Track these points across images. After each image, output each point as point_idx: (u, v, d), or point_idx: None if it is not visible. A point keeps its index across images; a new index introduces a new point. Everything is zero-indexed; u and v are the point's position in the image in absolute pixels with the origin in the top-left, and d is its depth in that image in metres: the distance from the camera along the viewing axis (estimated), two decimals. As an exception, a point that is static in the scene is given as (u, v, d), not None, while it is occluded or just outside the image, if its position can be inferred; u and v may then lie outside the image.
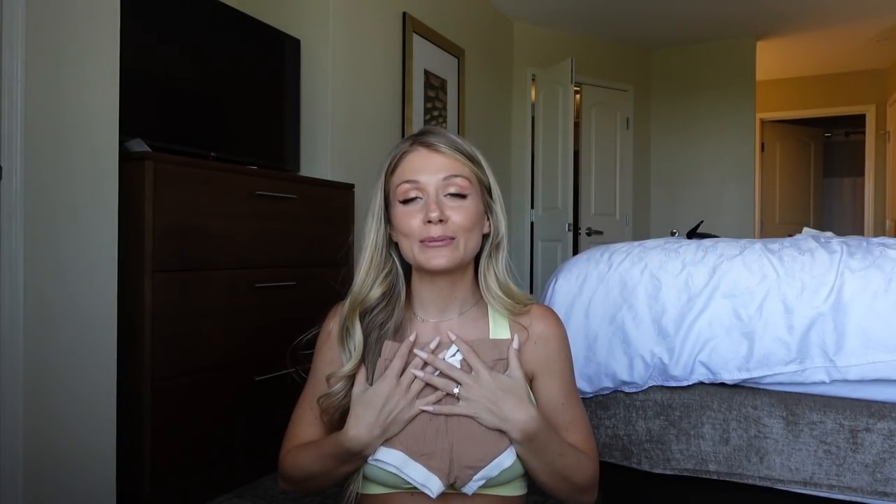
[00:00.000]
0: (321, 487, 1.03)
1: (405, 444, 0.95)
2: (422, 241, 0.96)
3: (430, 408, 0.95)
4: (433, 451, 0.94)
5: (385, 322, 1.01)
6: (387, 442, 0.95)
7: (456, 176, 0.96)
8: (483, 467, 0.94)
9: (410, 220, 0.96)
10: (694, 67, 5.42)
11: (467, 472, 0.94)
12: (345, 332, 1.01)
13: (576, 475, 0.99)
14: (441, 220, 0.94)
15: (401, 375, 0.96)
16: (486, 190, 1.02)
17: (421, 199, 0.96)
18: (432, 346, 0.99)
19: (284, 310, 2.28)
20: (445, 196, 0.96)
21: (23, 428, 1.54)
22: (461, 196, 0.97)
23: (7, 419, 1.52)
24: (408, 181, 0.97)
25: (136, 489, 1.83)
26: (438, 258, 0.95)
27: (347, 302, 1.02)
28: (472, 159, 0.99)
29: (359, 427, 0.93)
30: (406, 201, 0.97)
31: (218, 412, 2.05)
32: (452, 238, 0.96)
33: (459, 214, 0.96)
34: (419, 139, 0.99)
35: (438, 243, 0.95)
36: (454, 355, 0.99)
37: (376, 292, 1.01)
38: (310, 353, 1.11)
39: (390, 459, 0.94)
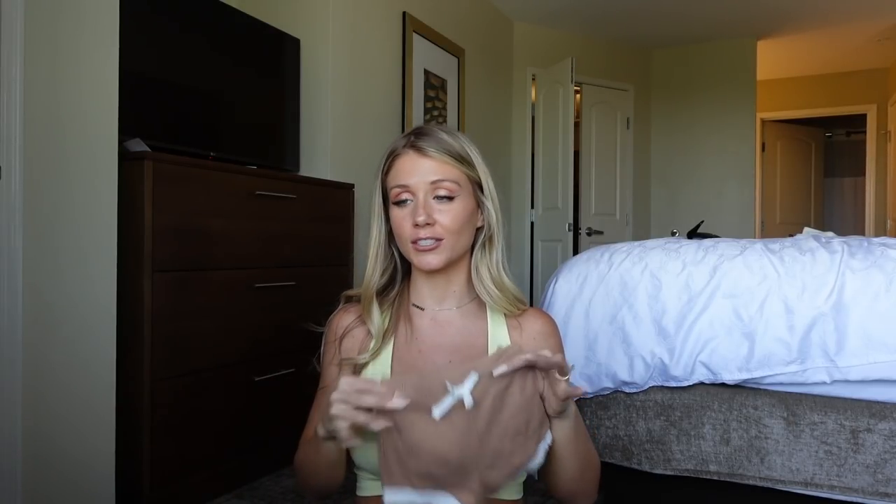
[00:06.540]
0: (323, 481, 1.01)
1: None
2: (413, 243, 1.00)
3: None
4: None
5: (386, 313, 1.07)
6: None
7: (443, 180, 1.00)
8: None
9: (402, 223, 1.01)
10: (694, 67, 5.42)
11: None
12: (366, 318, 1.06)
13: (596, 464, 1.01)
14: (428, 224, 0.98)
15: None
16: (478, 186, 1.05)
17: (411, 201, 1.01)
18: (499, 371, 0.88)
19: (284, 310, 2.28)
20: (434, 199, 1.00)
21: (22, 427, 1.54)
22: (449, 198, 1.00)
23: (6, 419, 1.52)
24: (398, 185, 1.01)
25: (135, 489, 1.83)
26: (430, 260, 1.00)
27: (361, 293, 1.07)
28: (461, 160, 1.02)
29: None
30: (398, 204, 1.02)
31: (217, 412, 2.05)
32: (440, 240, 1.00)
33: (447, 217, 1.00)
34: (411, 141, 1.02)
35: (428, 246, 1.00)
36: (466, 383, 0.88)
37: (381, 283, 1.07)
38: (309, 356, 1.13)
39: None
